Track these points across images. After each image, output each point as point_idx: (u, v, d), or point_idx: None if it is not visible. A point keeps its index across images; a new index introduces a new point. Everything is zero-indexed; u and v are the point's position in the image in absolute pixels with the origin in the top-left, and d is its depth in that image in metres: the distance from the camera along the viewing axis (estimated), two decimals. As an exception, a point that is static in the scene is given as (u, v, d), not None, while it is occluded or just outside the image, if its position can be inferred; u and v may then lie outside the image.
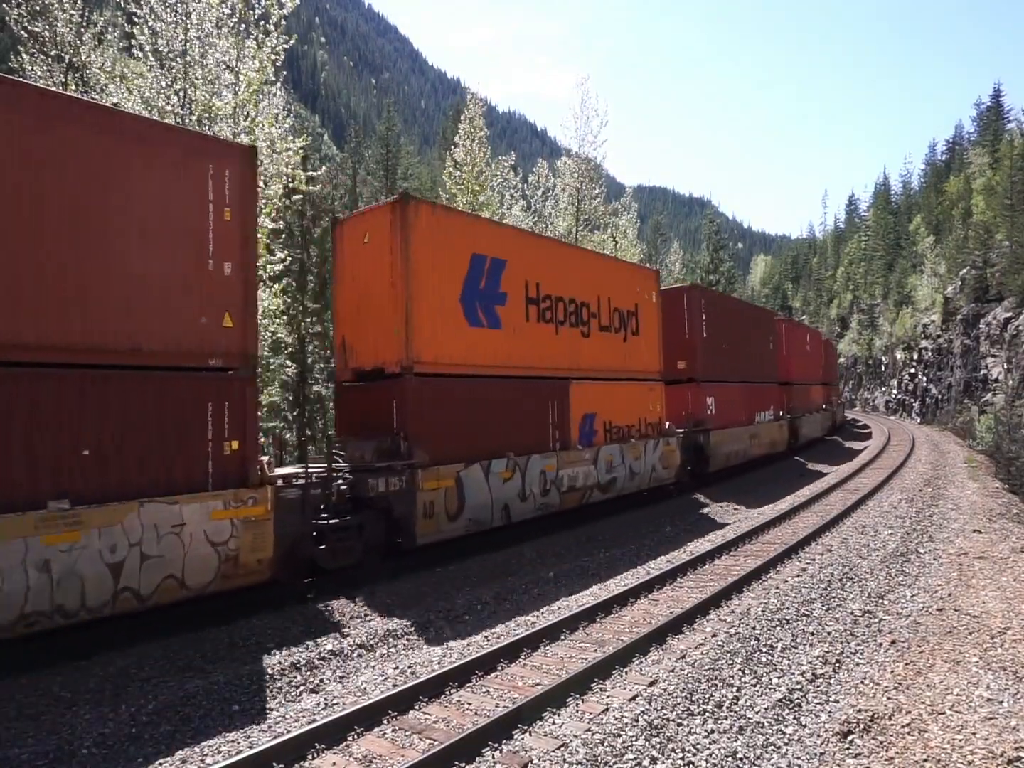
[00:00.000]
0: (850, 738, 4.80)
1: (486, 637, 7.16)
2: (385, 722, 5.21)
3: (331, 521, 8.30)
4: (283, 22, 14.12)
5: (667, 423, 15.51)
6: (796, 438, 25.05)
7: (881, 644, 6.60)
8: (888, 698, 5.36)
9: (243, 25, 13.89)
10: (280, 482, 7.73)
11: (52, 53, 13.50)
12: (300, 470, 8.67)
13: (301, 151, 14.89)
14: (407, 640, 7.20)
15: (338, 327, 10.79)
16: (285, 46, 14.19)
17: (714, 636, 6.76)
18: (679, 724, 4.97)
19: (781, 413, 23.65)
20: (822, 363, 34.17)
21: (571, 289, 12.61)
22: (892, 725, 4.94)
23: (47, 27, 13.37)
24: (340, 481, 8.60)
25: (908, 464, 22.03)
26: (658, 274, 16.26)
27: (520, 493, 10.80)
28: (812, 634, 6.85)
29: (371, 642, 7.06)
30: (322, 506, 8.37)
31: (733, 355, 19.31)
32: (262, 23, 14.00)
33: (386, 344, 9.54)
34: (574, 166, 26.49)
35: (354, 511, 8.63)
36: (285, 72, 14.57)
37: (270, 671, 6.25)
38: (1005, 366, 36.12)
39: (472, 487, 9.90)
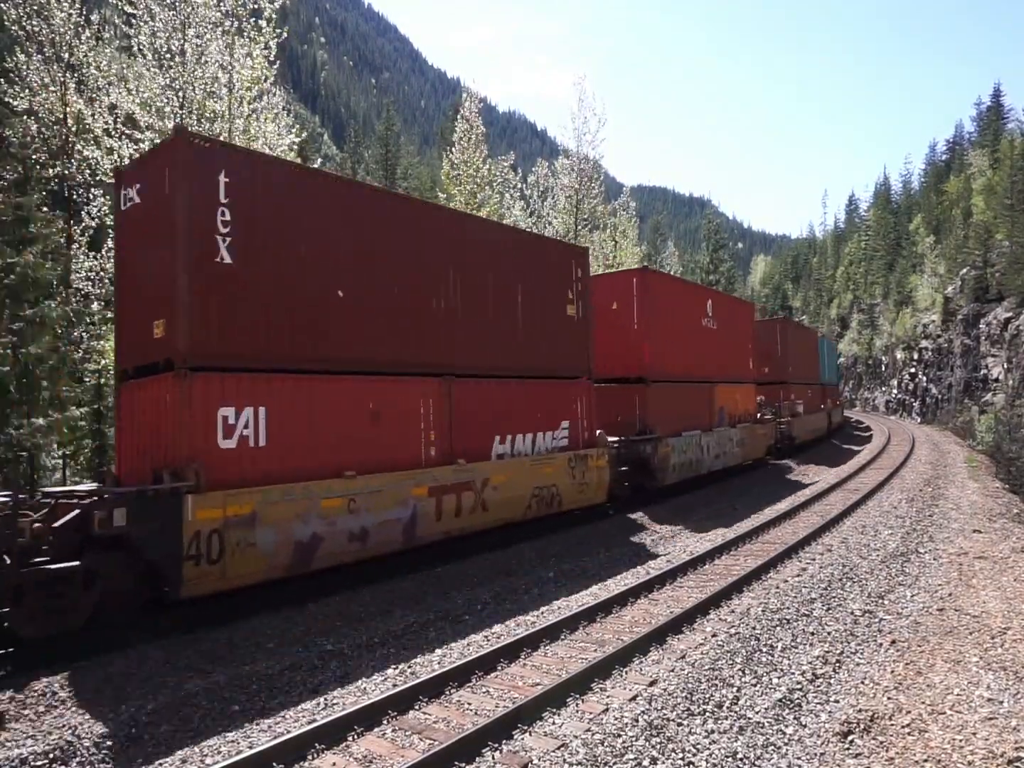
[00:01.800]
0: (850, 738, 4.80)
1: (486, 637, 7.15)
2: (385, 722, 5.21)
3: None
4: (274, 16, 14.15)
5: None
6: (652, 475, 14.75)
7: (881, 644, 6.60)
8: (888, 698, 5.36)
9: (237, 23, 13.92)
10: None
11: (50, 52, 13.51)
12: None
13: (296, 147, 14.91)
14: (407, 640, 7.20)
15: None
16: (278, 40, 14.22)
17: (714, 636, 6.76)
18: (679, 724, 4.97)
19: (599, 434, 13.06)
20: (760, 350, 23.06)
21: None
22: (892, 725, 4.94)
23: (44, 25, 13.38)
24: None
25: (908, 464, 22.04)
26: None
27: None
28: (812, 634, 6.85)
29: (371, 642, 7.06)
30: None
31: (396, 313, 9.28)
32: (254, 20, 14.04)
33: None
34: (572, 165, 26.50)
35: None
36: (278, 62, 14.54)
37: (270, 671, 6.25)
38: (1005, 366, 36.13)
39: None
